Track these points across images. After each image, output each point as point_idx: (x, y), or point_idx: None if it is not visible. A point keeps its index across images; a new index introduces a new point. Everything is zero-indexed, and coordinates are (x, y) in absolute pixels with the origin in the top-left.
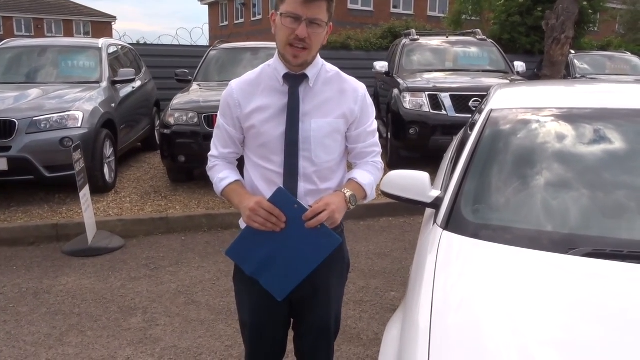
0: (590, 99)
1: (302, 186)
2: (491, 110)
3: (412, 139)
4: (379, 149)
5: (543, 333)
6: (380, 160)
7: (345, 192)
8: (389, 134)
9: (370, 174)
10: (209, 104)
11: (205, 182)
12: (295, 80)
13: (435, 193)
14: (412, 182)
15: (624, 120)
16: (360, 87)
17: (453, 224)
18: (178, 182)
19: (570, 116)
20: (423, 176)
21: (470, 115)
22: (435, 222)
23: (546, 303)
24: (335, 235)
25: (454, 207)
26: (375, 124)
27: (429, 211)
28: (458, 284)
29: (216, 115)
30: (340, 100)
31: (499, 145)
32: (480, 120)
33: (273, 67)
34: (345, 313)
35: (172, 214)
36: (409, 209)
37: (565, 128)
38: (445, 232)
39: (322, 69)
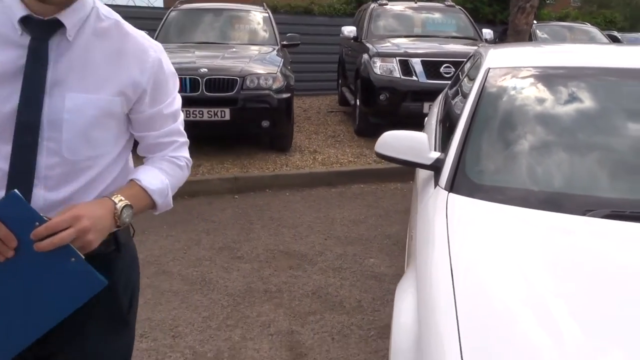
0: (590, 58)
1: (41, 195)
2: (488, 69)
3: (382, 105)
4: (183, 139)
5: (577, 302)
6: (187, 155)
7: (115, 199)
8: (358, 100)
9: (164, 174)
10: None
11: None
12: (42, 28)
13: (435, 154)
14: (409, 143)
15: (632, 79)
16: (153, 48)
17: (459, 186)
18: None
19: (574, 74)
20: (421, 137)
21: (441, 82)
22: (437, 184)
23: (572, 268)
24: (93, 273)
25: (457, 169)
26: (177, 103)
27: (425, 173)
28: (476, 251)
29: (181, 79)
30: (119, 65)
31: (502, 103)
32: (478, 79)
33: (6, 5)
34: (325, 281)
35: None
36: (380, 175)
37: (573, 86)
38: (452, 195)
39: (93, 15)
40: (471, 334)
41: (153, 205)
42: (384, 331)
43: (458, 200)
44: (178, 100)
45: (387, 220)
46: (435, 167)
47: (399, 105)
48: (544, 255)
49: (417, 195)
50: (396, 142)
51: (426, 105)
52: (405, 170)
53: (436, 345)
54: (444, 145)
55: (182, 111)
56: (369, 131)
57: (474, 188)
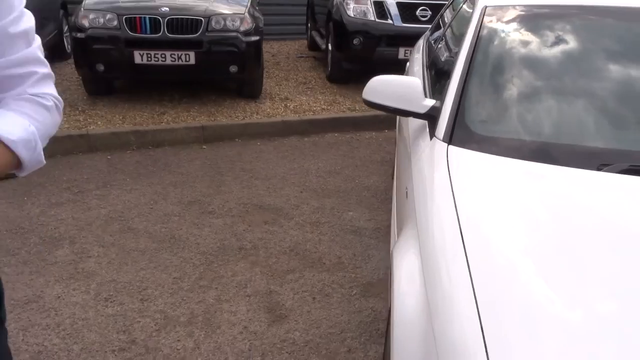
0: None
1: None
2: (485, 7)
3: (355, 50)
4: (44, 70)
5: (602, 267)
6: (54, 92)
7: None
8: (330, 45)
9: (26, 119)
10: (130, 4)
11: (129, 95)
12: None
13: (430, 102)
14: (402, 89)
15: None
16: None
17: (459, 137)
18: (97, 95)
19: (586, 11)
20: (415, 83)
21: (417, 26)
22: (434, 135)
23: (585, 228)
24: None
25: (456, 119)
26: (28, 21)
27: (416, 123)
28: (484, 209)
29: (140, 18)
30: None
31: (503, 45)
32: (473, 19)
33: None
34: (302, 236)
35: (93, 130)
36: (355, 123)
37: (586, 24)
38: (453, 147)
39: None
40: (487, 293)
41: (17, 163)
42: (367, 289)
43: (459, 154)
44: (29, 18)
45: (363, 171)
46: (430, 116)
47: (373, 50)
48: (554, 214)
49: (406, 146)
50: (387, 88)
51: (402, 50)
52: (380, 119)
53: (452, 309)
54: (435, 93)
55: (143, 54)
56: (342, 77)
57: (476, 140)
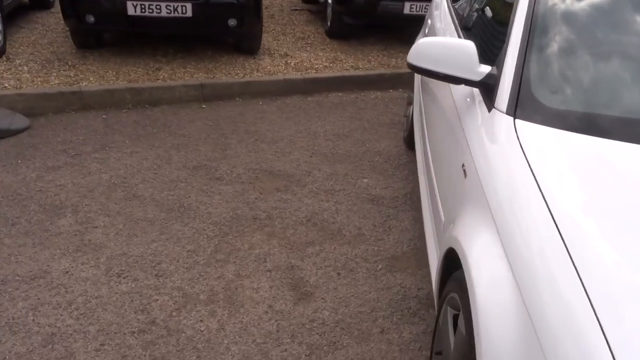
0: None
1: None
2: None
3: (358, 4)
4: None
5: None
6: None
7: None
8: None
9: None
10: None
11: (121, 48)
12: None
13: (486, 68)
14: (453, 53)
15: None
16: None
17: (526, 110)
18: (86, 48)
19: None
20: (468, 46)
21: None
22: (492, 106)
23: None
24: None
25: (520, 88)
26: None
27: (464, 90)
28: (579, 200)
29: None
30: None
31: (574, 3)
32: None
33: None
34: (318, 205)
35: (86, 87)
36: (359, 83)
37: None
38: (522, 122)
39: None
40: (610, 310)
41: None
42: (392, 264)
43: (531, 131)
44: None
45: (373, 134)
46: (485, 85)
47: (377, 4)
48: None
49: (452, 116)
50: (436, 51)
51: (407, 4)
52: (385, 77)
53: (574, 335)
54: (481, 58)
55: (137, 5)
56: (342, 33)
57: (547, 114)
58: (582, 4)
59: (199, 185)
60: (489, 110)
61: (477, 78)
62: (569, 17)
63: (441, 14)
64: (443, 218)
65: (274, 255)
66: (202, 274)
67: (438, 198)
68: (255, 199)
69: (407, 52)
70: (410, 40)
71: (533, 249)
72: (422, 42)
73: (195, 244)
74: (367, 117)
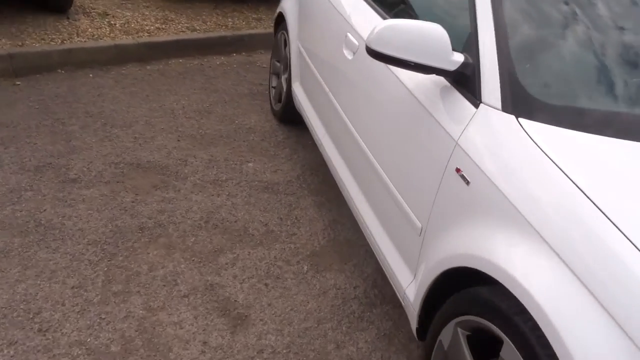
0: None
1: None
2: None
3: None
4: None
5: None
6: None
7: None
8: None
9: None
10: None
11: None
12: None
13: (459, 57)
14: (421, 39)
15: None
16: None
17: (527, 106)
18: None
19: None
20: (438, 32)
21: None
22: (479, 100)
23: None
24: None
25: (510, 82)
26: None
27: (419, 78)
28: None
29: None
30: None
31: None
32: None
33: None
34: (210, 201)
35: None
36: (199, 46)
37: None
38: (528, 122)
39: None
40: None
41: None
42: (316, 262)
43: (545, 132)
44: None
45: (237, 108)
46: (461, 75)
47: None
48: None
49: (411, 108)
50: (402, 37)
51: None
52: (227, 40)
53: None
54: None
55: None
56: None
57: (550, 112)
58: None
59: (52, 193)
60: (475, 105)
61: (452, 67)
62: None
63: None
64: (420, 225)
65: (183, 275)
66: (102, 316)
67: (403, 202)
68: (133, 202)
69: (241, 11)
70: None
71: (599, 253)
72: (386, 27)
73: (78, 276)
74: (223, 88)
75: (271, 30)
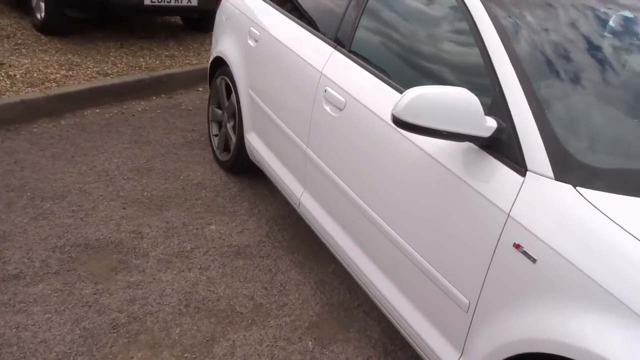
0: None
1: None
2: None
3: None
4: None
5: None
6: None
7: None
8: None
9: None
10: None
11: None
12: None
13: (493, 122)
14: (454, 106)
15: None
16: None
17: (579, 174)
18: None
19: None
20: (470, 97)
21: None
22: (526, 168)
23: None
24: None
25: (556, 147)
26: None
27: (440, 143)
28: None
29: None
30: None
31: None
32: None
33: None
34: (184, 279)
35: None
36: (117, 92)
37: None
38: (588, 191)
39: None
40: None
41: None
42: (318, 334)
43: (609, 201)
44: None
45: (177, 162)
46: (497, 141)
47: None
48: None
49: (435, 175)
50: (434, 106)
51: None
52: (144, 83)
53: None
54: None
55: None
56: (62, 28)
57: (604, 177)
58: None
59: None
60: (521, 173)
61: (486, 134)
62: (559, 46)
63: (276, 16)
64: (467, 301)
65: None
66: None
67: (439, 276)
68: (94, 294)
69: (150, 48)
70: (148, 33)
71: None
72: (416, 96)
73: None
74: (154, 139)
75: (190, 68)
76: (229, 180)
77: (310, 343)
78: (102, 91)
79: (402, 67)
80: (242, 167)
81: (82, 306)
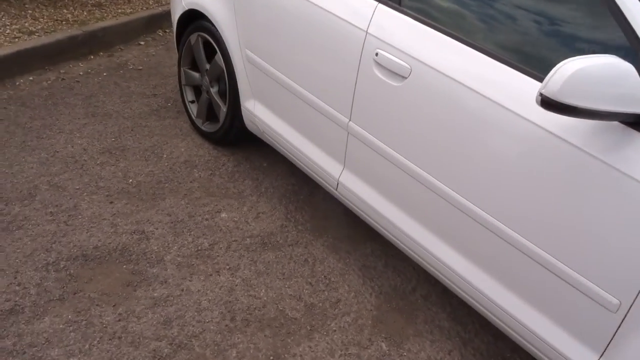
0: None
1: None
2: None
3: None
4: None
5: None
6: None
7: None
8: None
9: None
10: None
11: None
12: None
13: None
14: (619, 82)
15: None
16: None
17: None
18: None
19: None
20: (628, 68)
21: None
22: None
23: None
24: None
25: None
26: None
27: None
28: None
29: None
30: None
31: None
32: None
33: None
34: (216, 285)
35: None
36: (49, 54)
37: None
38: None
39: None
40: None
41: None
42: (386, 332)
43: None
44: None
45: (152, 136)
46: None
47: None
48: None
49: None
50: (597, 83)
51: None
52: (77, 41)
53: None
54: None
55: None
56: None
57: None
58: None
59: None
60: None
61: None
62: None
63: None
64: (617, 301)
65: None
66: None
67: (576, 276)
68: (119, 321)
69: None
70: None
71: None
72: (576, 73)
73: None
74: (114, 110)
75: (126, 18)
76: (219, 154)
77: (383, 344)
78: (31, 53)
79: (487, 23)
80: (234, 138)
81: (110, 339)
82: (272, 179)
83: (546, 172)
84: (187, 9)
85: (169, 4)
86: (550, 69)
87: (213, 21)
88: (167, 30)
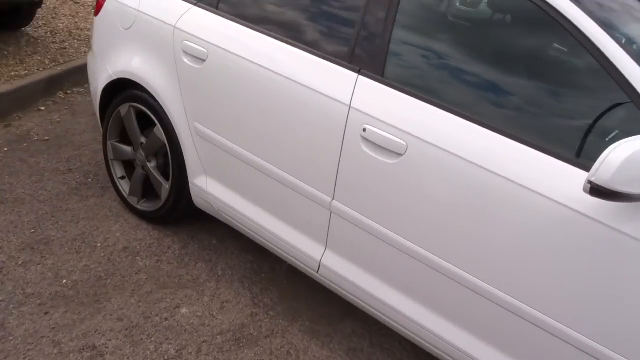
0: None
1: None
2: None
3: None
4: None
5: None
6: None
7: None
8: None
9: None
10: None
11: None
12: None
13: None
14: None
15: None
16: None
17: None
18: None
19: None
20: None
21: None
22: None
23: None
24: None
25: None
26: None
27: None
28: None
29: None
30: None
31: None
32: None
33: None
34: None
35: None
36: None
37: None
38: None
39: None
40: None
41: None
42: None
43: None
44: None
45: (77, 222)
46: None
47: None
48: None
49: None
50: None
51: None
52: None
53: None
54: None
55: None
56: None
57: None
58: None
59: None
60: None
61: None
62: None
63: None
64: None
65: None
66: None
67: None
68: None
69: None
70: None
71: None
72: (630, 156)
73: None
74: (26, 194)
75: (21, 82)
76: (162, 236)
77: None
78: None
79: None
80: (179, 216)
81: None
82: (226, 259)
83: (570, 249)
84: (115, 78)
85: (68, 62)
86: (556, 142)
87: (152, 92)
88: (69, 92)
